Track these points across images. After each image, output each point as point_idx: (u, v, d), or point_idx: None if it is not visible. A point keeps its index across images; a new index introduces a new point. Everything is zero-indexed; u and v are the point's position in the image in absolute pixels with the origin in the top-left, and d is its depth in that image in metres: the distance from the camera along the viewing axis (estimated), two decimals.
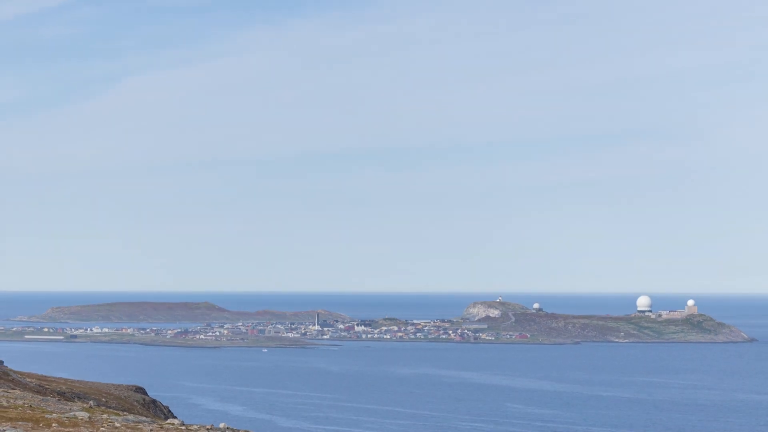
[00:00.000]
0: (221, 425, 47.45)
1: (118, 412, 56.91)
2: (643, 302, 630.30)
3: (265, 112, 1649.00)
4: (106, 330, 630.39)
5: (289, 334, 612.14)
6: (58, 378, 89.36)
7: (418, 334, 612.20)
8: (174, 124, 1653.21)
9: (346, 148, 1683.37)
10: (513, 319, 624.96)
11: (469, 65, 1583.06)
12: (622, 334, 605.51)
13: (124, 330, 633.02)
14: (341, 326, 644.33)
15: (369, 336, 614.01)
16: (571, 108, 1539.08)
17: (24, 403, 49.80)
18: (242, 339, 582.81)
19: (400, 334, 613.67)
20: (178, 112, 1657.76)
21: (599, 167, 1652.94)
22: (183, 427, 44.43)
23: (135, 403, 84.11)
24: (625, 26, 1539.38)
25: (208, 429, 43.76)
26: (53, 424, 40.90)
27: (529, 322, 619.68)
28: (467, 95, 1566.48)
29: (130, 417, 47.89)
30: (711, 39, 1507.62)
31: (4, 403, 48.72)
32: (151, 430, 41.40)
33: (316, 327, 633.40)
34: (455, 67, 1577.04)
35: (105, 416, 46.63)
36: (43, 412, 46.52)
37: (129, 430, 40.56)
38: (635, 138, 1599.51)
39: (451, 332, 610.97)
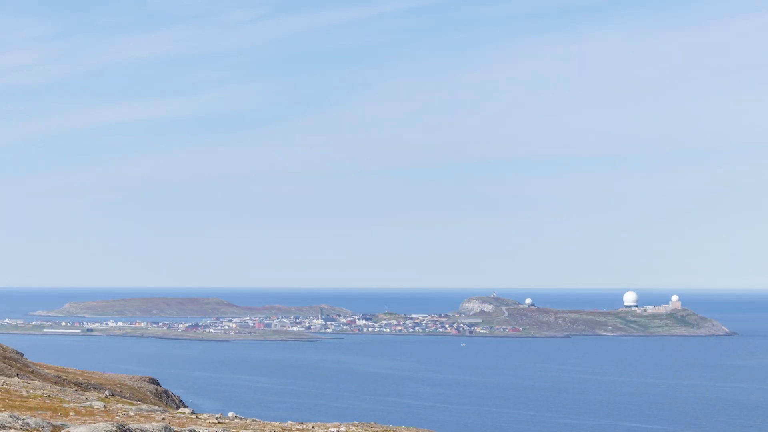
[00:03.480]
0: (230, 414, 47.45)
1: (132, 401, 56.93)
2: (629, 298, 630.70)
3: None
4: (121, 324, 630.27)
5: (294, 328, 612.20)
6: (75, 369, 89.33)
7: (417, 328, 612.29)
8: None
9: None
10: (506, 313, 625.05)
11: None
12: (610, 327, 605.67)
13: (137, 324, 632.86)
14: (343, 320, 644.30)
15: (370, 329, 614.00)
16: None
17: (43, 393, 49.84)
18: (250, 333, 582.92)
19: (399, 327, 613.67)
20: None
21: (589, 175, 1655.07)
22: (193, 416, 44.45)
23: (148, 393, 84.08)
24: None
25: (217, 418, 43.77)
26: (70, 413, 40.93)
27: (522, 317, 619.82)
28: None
29: (144, 406, 47.92)
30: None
31: (24, 393, 48.75)
32: (164, 418, 41.42)
33: (320, 321, 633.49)
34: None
35: (120, 406, 46.67)
36: (61, 401, 46.55)
37: (142, 418, 40.58)
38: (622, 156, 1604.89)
39: (447, 326, 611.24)
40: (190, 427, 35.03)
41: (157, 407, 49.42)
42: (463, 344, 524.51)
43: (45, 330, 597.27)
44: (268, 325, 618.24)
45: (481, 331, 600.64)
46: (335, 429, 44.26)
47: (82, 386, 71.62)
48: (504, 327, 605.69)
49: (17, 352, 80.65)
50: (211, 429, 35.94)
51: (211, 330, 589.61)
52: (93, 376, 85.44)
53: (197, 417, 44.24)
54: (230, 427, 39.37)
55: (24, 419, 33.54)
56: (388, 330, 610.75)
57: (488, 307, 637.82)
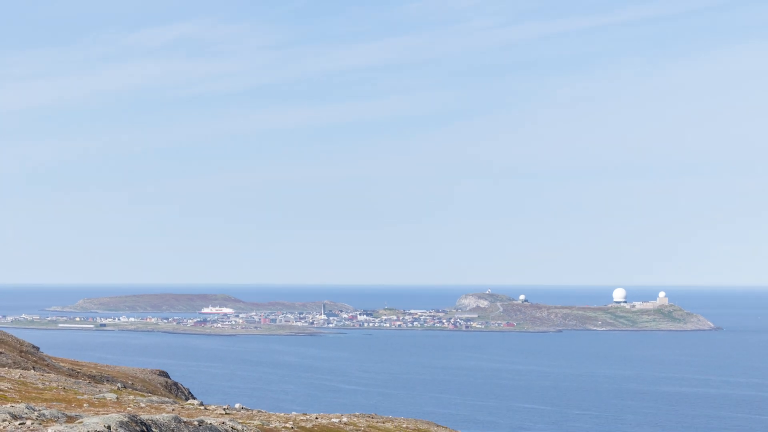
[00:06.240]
0: (237, 405, 47.48)
1: (143, 393, 56.94)
2: (618, 294, 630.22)
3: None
4: (132, 319, 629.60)
5: (298, 323, 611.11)
6: (89, 363, 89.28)
7: (415, 323, 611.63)
8: None
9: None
10: (501, 309, 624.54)
11: None
12: (600, 322, 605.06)
13: (148, 319, 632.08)
14: (345, 315, 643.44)
15: (370, 324, 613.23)
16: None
17: (58, 386, 49.85)
18: (255, 327, 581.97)
19: (398, 322, 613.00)
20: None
21: (583, 180, 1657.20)
22: (202, 407, 44.47)
23: (158, 385, 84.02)
24: None
25: (224, 409, 43.79)
26: (84, 405, 40.94)
27: (516, 312, 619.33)
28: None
29: (154, 398, 47.93)
30: None
31: (40, 386, 48.77)
32: (173, 410, 41.43)
33: (323, 316, 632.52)
34: None
35: (131, 397, 46.68)
36: (75, 393, 46.56)
37: (153, 409, 40.59)
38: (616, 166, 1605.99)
39: (444, 321, 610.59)
40: (198, 418, 35.06)
41: (167, 399, 49.43)
42: None
43: (60, 325, 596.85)
44: (273, 320, 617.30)
45: (477, 326, 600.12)
46: (338, 419, 44.27)
47: (96, 379, 71.60)
48: (499, 322, 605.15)
49: (33, 346, 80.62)
50: (219, 419, 35.97)
51: (219, 325, 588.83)
52: (106, 369, 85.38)
53: (205, 408, 44.26)
54: (237, 418, 39.40)
55: (40, 410, 33.57)
56: (388, 325, 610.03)
57: (484, 303, 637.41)
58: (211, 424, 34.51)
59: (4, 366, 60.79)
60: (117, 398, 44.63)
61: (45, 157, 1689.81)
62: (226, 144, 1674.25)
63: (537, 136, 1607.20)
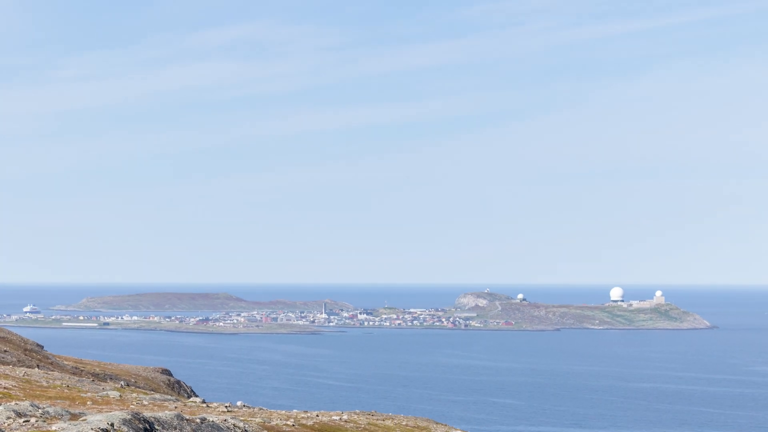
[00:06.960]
0: (238, 403, 47.52)
1: (146, 391, 56.96)
2: (615, 293, 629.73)
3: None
4: (135, 318, 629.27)
5: (299, 322, 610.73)
6: (92, 361, 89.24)
7: (415, 322, 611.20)
8: None
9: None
10: (499, 308, 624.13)
11: None
12: (597, 321, 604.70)
13: (151, 318, 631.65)
14: (346, 314, 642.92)
15: (370, 323, 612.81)
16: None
17: (62, 384, 49.86)
18: (257, 326, 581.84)
19: (398, 321, 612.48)
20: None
21: (580, 183, 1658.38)
22: (204, 405, 44.49)
23: (161, 383, 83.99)
24: None
25: (226, 407, 43.81)
26: (88, 402, 40.95)
27: (514, 311, 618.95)
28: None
29: (157, 396, 47.94)
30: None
31: (44, 384, 48.78)
32: (176, 407, 41.45)
33: (324, 315, 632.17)
34: None
35: (134, 395, 46.70)
36: (79, 391, 46.57)
37: (156, 407, 40.61)
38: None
39: (444, 320, 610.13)
40: (200, 415, 35.09)
41: (169, 396, 49.43)
42: None
43: (64, 324, 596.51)
44: (275, 319, 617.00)
45: (476, 325, 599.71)
46: (338, 417, 44.29)
47: (99, 377, 71.61)
48: (497, 321, 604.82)
49: (37, 345, 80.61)
50: (221, 417, 36.00)
51: (221, 324, 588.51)
52: (109, 367, 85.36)
53: (207, 406, 44.28)
54: (239, 415, 39.42)
55: (44, 408, 33.59)
56: (388, 324, 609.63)
57: (482, 302, 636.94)
58: (213, 421, 34.54)
59: (8, 364, 60.81)
60: (120, 396, 44.65)
61: (53, 160, 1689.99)
62: (234, 147, 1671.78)
63: (539, 137, 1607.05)
